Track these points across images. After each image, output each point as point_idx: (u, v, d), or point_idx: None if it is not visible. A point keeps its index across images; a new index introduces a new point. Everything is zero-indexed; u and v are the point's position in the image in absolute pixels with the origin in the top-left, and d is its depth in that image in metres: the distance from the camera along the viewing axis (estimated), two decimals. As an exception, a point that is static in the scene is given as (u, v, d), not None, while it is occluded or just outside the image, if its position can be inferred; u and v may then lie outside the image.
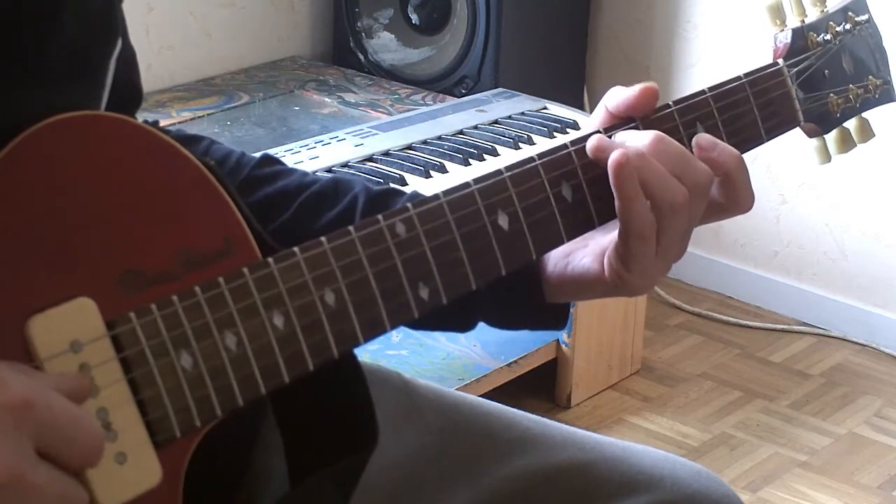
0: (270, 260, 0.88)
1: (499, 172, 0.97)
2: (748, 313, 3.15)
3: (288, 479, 0.96)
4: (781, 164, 3.05)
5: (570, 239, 1.00)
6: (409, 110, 2.75)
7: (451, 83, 3.03)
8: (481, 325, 1.09)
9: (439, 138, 2.53)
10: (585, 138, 1.01)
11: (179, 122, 2.69)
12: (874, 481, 2.56)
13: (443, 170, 2.39)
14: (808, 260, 3.11)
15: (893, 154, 2.92)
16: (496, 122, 2.63)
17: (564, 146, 1.00)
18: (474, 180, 0.96)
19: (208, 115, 2.74)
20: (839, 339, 3.05)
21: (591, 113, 3.05)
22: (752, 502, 2.48)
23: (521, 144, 2.52)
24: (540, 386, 2.71)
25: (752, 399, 2.81)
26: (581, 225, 1.01)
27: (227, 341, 0.85)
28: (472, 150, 2.47)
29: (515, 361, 2.60)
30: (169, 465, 0.84)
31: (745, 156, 1.06)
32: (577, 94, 3.26)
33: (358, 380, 0.96)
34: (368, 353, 2.52)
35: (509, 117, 2.66)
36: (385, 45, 3.14)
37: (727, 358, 2.97)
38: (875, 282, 3.02)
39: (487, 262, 0.96)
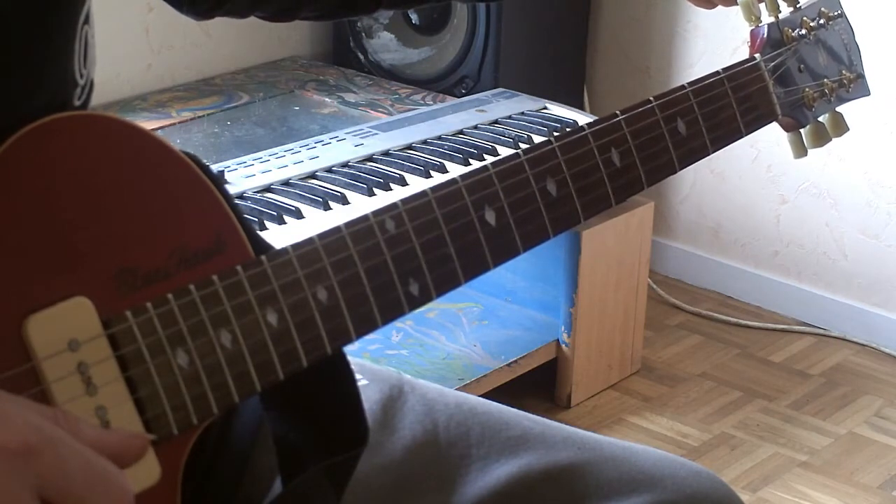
0: (263, 258, 0.88)
1: (485, 168, 0.98)
2: (748, 313, 3.15)
3: (280, 476, 0.96)
4: (781, 164, 3.05)
5: (556, 234, 1.01)
6: (409, 110, 2.74)
7: (451, 83, 3.03)
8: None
9: (439, 138, 2.53)
10: (569, 134, 1.02)
11: (179, 122, 2.69)
12: (874, 481, 2.56)
13: (443, 170, 2.39)
14: (808, 260, 3.11)
15: (893, 154, 2.92)
16: (496, 122, 2.63)
17: (548, 142, 1.02)
18: (461, 176, 0.97)
19: (208, 115, 2.74)
20: (839, 339, 3.05)
21: (591, 113, 3.06)
22: (752, 502, 2.48)
23: (521, 144, 2.52)
24: (540, 386, 2.71)
25: (752, 399, 2.81)
26: (567, 219, 1.02)
27: (222, 339, 0.86)
28: (472, 150, 2.47)
29: (515, 361, 2.60)
30: (167, 462, 0.85)
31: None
32: (577, 94, 3.26)
33: (347, 378, 0.96)
34: (369, 353, 2.52)
35: (509, 117, 2.65)
36: (385, 45, 3.14)
37: (727, 358, 2.97)
38: (875, 282, 3.02)
39: (475, 257, 0.97)
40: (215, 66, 3.05)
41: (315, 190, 2.26)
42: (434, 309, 2.71)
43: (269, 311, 0.88)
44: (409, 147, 2.48)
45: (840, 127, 1.24)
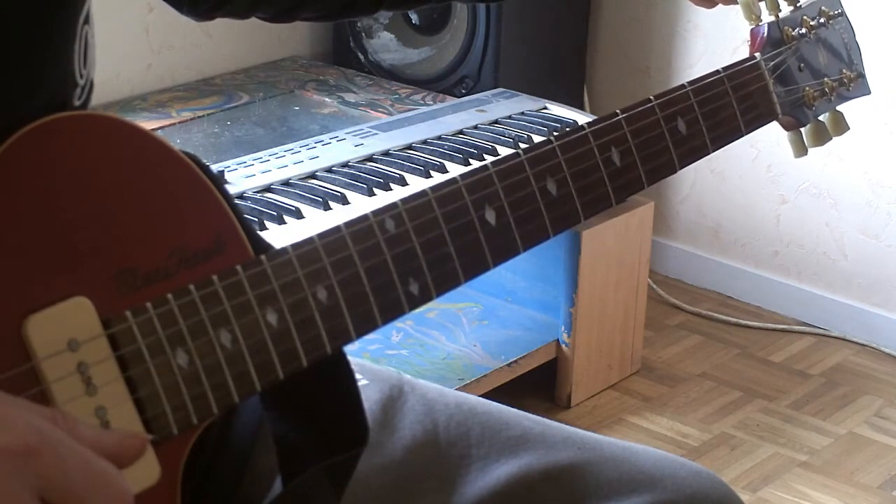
0: (263, 257, 0.88)
1: (485, 168, 0.98)
2: (748, 313, 3.15)
3: (280, 476, 0.96)
4: (781, 164, 3.05)
5: (556, 233, 1.01)
6: (409, 110, 2.74)
7: (451, 83, 3.03)
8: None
9: (439, 138, 2.53)
10: (569, 134, 1.02)
11: (179, 122, 2.69)
12: (874, 481, 2.56)
13: (443, 170, 2.39)
14: (808, 260, 3.11)
15: (893, 154, 2.92)
16: (496, 122, 2.63)
17: (548, 141, 1.02)
18: (461, 176, 0.97)
19: (208, 115, 2.74)
20: (839, 339, 3.05)
21: (591, 113, 3.05)
22: (752, 502, 2.48)
23: (521, 144, 2.52)
24: (540, 386, 2.71)
25: (752, 399, 2.81)
26: (567, 219, 1.02)
27: (222, 339, 0.86)
28: (472, 150, 2.47)
29: (515, 361, 2.60)
30: (167, 462, 0.85)
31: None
32: (577, 94, 3.26)
33: (347, 378, 0.96)
34: (369, 353, 2.52)
35: (509, 117, 2.66)
36: (385, 45, 3.14)
37: (727, 358, 2.97)
38: (875, 282, 3.02)
39: (475, 256, 0.97)
40: (215, 66, 3.05)
41: (315, 190, 2.26)
42: (434, 309, 2.71)
43: (269, 311, 0.88)
44: (409, 147, 2.48)
45: (840, 126, 1.24)
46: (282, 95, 2.89)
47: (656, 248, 3.10)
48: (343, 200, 2.24)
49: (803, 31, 1.20)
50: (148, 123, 2.61)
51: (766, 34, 1.18)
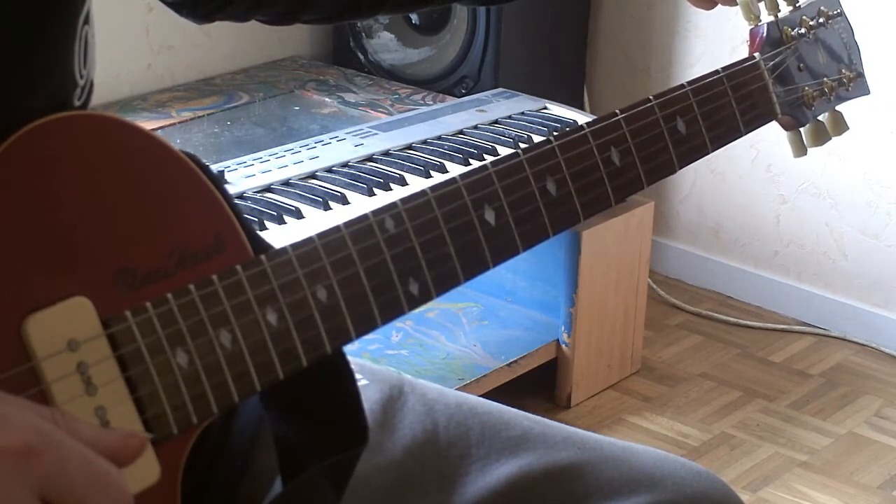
0: (263, 257, 0.88)
1: (484, 168, 0.98)
2: (748, 313, 3.15)
3: (280, 476, 0.96)
4: (781, 164, 3.05)
5: (555, 233, 1.01)
6: (409, 110, 2.74)
7: (451, 83, 3.03)
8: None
9: (439, 138, 2.53)
10: (568, 134, 1.02)
11: (179, 122, 2.69)
12: (874, 481, 2.56)
13: (443, 170, 2.39)
14: (808, 260, 3.11)
15: (893, 154, 2.92)
16: (496, 122, 2.63)
17: (548, 141, 1.02)
18: (461, 175, 0.97)
19: (208, 115, 2.74)
20: (839, 339, 3.05)
21: (591, 113, 3.05)
22: (752, 502, 2.48)
23: (521, 144, 2.52)
24: (540, 386, 2.71)
25: (752, 399, 2.81)
26: (566, 218, 1.02)
27: (221, 338, 0.86)
28: (472, 150, 2.47)
29: (515, 361, 2.60)
30: (167, 462, 0.85)
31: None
32: (577, 94, 3.26)
33: (346, 377, 0.96)
34: (369, 353, 2.52)
35: (509, 117, 2.65)
36: (385, 45, 3.14)
37: (727, 358, 2.97)
38: (875, 282, 3.02)
39: (475, 256, 0.97)
40: (215, 66, 3.05)
41: (315, 190, 2.26)
42: (434, 309, 2.71)
43: (269, 311, 0.88)
44: (409, 147, 2.48)
45: (840, 126, 1.24)
46: (282, 95, 2.89)
47: (656, 248, 3.10)
48: (343, 200, 2.24)
49: (802, 31, 1.20)
50: (148, 123, 2.61)
51: (765, 34, 1.18)
